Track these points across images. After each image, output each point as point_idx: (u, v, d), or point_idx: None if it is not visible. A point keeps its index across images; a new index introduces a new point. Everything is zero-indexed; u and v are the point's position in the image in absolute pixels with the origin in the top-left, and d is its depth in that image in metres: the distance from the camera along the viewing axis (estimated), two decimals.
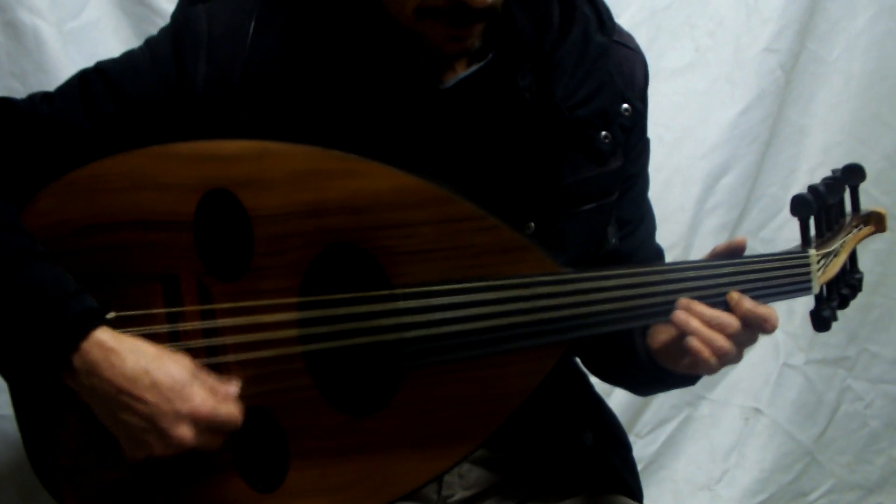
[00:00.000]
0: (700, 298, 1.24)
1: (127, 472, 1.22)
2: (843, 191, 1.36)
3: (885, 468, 2.45)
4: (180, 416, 1.11)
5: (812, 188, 1.30)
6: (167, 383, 1.11)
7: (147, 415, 1.11)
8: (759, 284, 1.26)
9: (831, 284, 1.34)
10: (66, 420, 1.21)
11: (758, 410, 2.37)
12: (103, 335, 1.12)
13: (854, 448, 2.42)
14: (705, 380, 2.30)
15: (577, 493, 1.45)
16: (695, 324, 1.22)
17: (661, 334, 1.32)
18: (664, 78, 2.17)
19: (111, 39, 1.78)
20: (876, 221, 1.40)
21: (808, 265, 1.29)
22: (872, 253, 2.33)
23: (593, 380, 1.56)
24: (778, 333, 2.34)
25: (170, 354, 1.14)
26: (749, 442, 2.38)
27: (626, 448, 1.52)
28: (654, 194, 2.15)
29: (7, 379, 1.20)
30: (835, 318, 1.34)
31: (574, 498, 1.44)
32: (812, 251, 1.29)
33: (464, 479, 1.41)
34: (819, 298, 1.34)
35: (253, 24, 1.27)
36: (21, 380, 1.19)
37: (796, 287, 1.29)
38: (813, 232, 1.32)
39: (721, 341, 1.22)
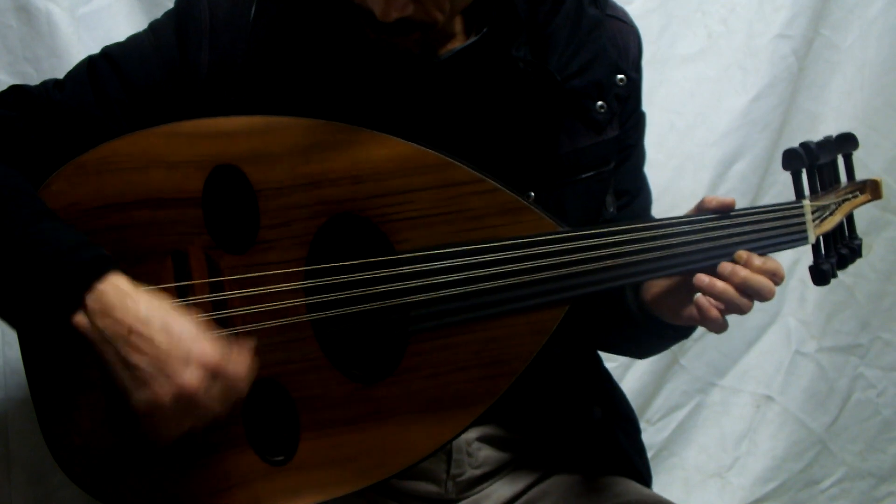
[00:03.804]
0: (699, 251, 1.28)
1: (140, 452, 1.23)
2: (836, 154, 1.38)
3: None
4: (189, 360, 1.12)
5: (804, 144, 1.34)
6: (178, 328, 1.13)
7: (156, 356, 1.12)
8: (756, 236, 1.31)
9: (828, 240, 1.38)
10: (80, 400, 1.23)
11: (769, 398, 2.36)
12: (119, 279, 1.15)
13: (866, 436, 2.42)
14: (716, 367, 2.32)
15: (587, 475, 1.47)
16: (720, 286, 1.26)
17: (654, 287, 1.36)
18: (676, 65, 2.17)
19: (123, 24, 1.78)
20: (871, 189, 1.43)
21: (802, 215, 1.33)
22: (886, 241, 2.33)
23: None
24: (790, 320, 2.34)
25: (180, 311, 1.16)
26: (760, 429, 2.37)
27: (634, 426, 1.54)
28: (665, 181, 2.16)
29: (19, 325, 1.22)
30: (834, 275, 1.37)
31: (584, 480, 1.46)
32: (806, 202, 1.33)
33: (473, 458, 1.42)
34: (817, 252, 1.37)
35: (253, 9, 1.30)
36: (34, 323, 1.20)
37: (792, 237, 1.34)
38: (807, 190, 1.35)
39: (746, 304, 1.26)
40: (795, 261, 2.25)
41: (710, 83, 2.20)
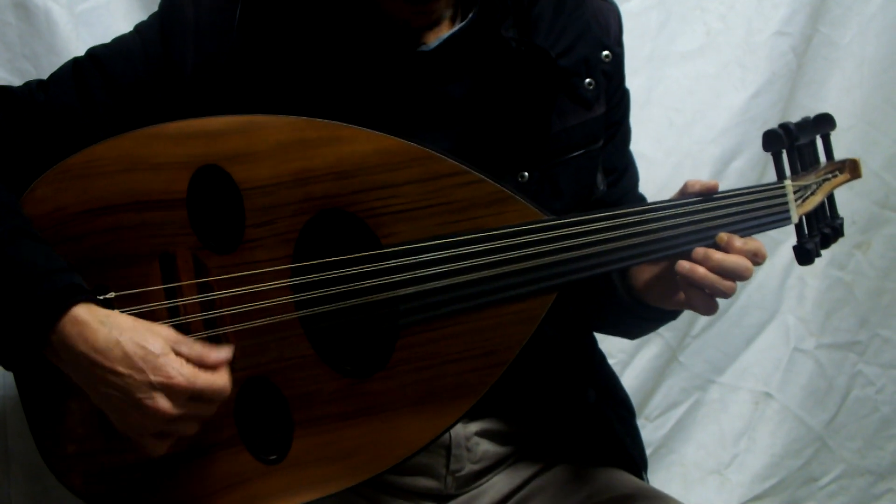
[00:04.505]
0: (684, 235, 1.29)
1: (133, 456, 1.23)
2: (814, 134, 1.41)
3: (895, 454, 2.44)
4: (153, 387, 1.11)
5: (783, 125, 1.36)
6: (139, 354, 1.11)
7: (121, 387, 1.11)
8: (739, 217, 1.32)
9: (811, 220, 1.39)
10: (71, 406, 1.22)
11: (768, 395, 2.36)
12: (79, 311, 1.12)
13: (865, 433, 2.41)
14: (715, 364, 2.32)
15: (584, 468, 1.48)
16: (701, 272, 1.26)
17: (644, 273, 1.37)
18: (675, 61, 2.18)
19: (122, 21, 1.78)
20: (851, 169, 1.45)
21: (784, 195, 1.35)
22: (884, 238, 2.33)
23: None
24: (789, 317, 2.34)
25: (148, 326, 1.15)
26: (759, 426, 2.37)
27: (628, 409, 1.55)
28: (664, 178, 2.16)
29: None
30: (818, 254, 1.39)
31: (581, 474, 1.47)
32: (788, 182, 1.35)
33: (472, 453, 1.43)
34: (800, 231, 1.39)
35: (238, 11, 1.30)
36: (10, 361, 1.19)
37: (776, 217, 1.35)
38: (788, 171, 1.37)
39: (729, 286, 1.27)
40: (792, 258, 2.25)
41: (708, 80, 2.19)
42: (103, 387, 1.13)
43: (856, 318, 2.36)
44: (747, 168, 2.22)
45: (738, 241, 1.28)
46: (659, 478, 2.29)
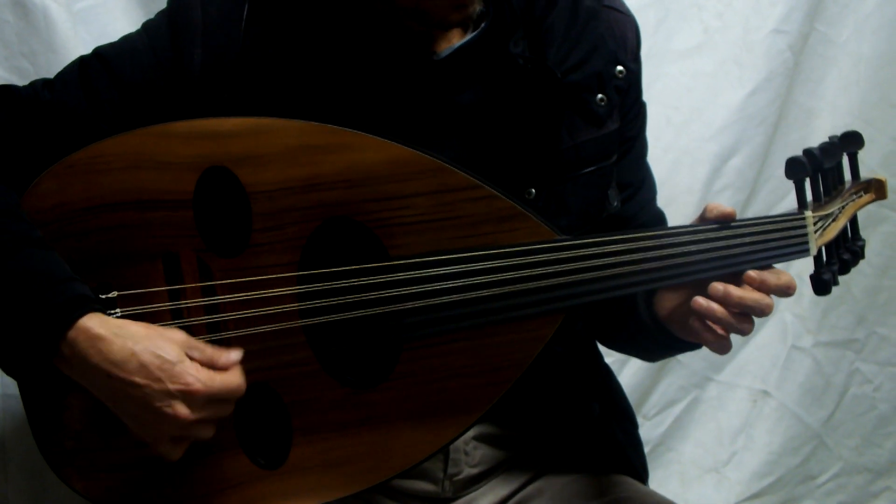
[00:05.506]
0: (698, 262, 1.25)
1: (132, 454, 1.23)
2: (840, 156, 1.35)
3: (893, 451, 2.44)
4: (172, 395, 1.11)
5: (807, 151, 1.30)
6: (155, 363, 1.12)
7: (139, 397, 1.12)
8: (756, 247, 1.27)
9: (830, 247, 1.35)
10: (70, 402, 1.22)
11: (766, 393, 2.37)
12: (89, 322, 1.12)
13: (862, 431, 2.41)
14: (713, 361, 2.32)
15: (583, 471, 1.46)
16: (719, 311, 1.23)
17: (668, 301, 1.33)
18: (672, 59, 2.18)
19: (121, 20, 1.78)
20: (876, 189, 1.41)
21: (804, 226, 1.29)
22: (882, 236, 2.33)
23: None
24: (786, 315, 2.34)
25: (160, 332, 1.15)
26: (757, 424, 2.37)
27: (631, 421, 1.53)
28: (661, 176, 2.15)
29: (6, 371, 1.20)
30: (835, 283, 1.34)
31: (580, 477, 1.46)
32: (808, 213, 1.30)
33: (470, 457, 1.42)
34: (818, 261, 1.34)
35: (246, 9, 1.29)
36: (18, 371, 1.19)
37: (793, 249, 1.29)
38: (810, 196, 1.32)
39: (748, 327, 1.24)
40: None
41: (706, 78, 2.20)
42: (121, 397, 1.13)
43: (853, 316, 2.37)
44: (745, 166, 2.22)
45: (771, 279, 1.23)
46: (657, 476, 2.28)
